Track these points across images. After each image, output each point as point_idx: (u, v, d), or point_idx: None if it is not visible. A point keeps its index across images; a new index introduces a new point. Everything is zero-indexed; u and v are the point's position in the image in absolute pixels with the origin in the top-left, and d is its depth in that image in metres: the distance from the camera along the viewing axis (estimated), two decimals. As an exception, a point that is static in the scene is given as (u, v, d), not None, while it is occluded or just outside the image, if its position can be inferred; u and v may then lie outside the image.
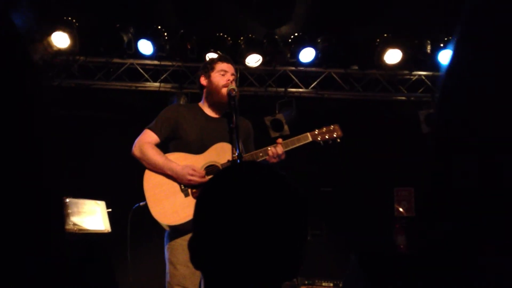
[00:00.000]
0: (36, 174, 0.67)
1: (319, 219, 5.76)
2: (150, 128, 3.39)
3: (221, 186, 1.12)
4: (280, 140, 3.37)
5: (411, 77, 6.10)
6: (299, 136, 3.44)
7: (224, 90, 3.38)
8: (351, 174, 5.97)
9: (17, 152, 0.65)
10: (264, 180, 1.11)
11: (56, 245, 0.68)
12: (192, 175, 3.21)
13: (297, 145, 3.39)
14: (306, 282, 5.00)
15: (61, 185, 0.71)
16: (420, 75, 6.07)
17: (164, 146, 3.44)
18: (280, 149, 3.32)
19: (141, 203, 3.37)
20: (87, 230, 4.04)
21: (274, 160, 3.31)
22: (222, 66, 3.49)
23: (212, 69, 3.49)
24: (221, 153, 3.31)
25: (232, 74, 3.48)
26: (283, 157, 3.32)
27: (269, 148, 3.33)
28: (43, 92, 0.72)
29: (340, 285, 4.95)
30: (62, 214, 0.71)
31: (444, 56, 5.70)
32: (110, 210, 4.32)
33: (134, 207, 3.47)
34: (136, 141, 3.38)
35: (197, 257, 1.12)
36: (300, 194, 1.12)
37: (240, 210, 1.06)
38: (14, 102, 0.67)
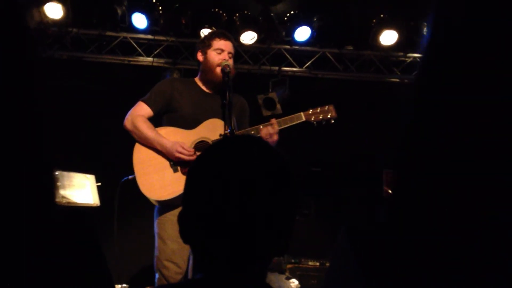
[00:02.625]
0: (32, 146, 0.66)
1: (308, 199, 5.78)
2: (143, 101, 3.36)
3: (212, 159, 1.11)
4: (274, 120, 3.33)
5: (406, 59, 6.08)
6: (292, 116, 3.41)
7: (218, 69, 3.33)
8: (341, 154, 5.98)
9: (12, 124, 0.64)
10: (255, 154, 1.10)
11: (46, 217, 0.67)
12: (180, 152, 3.19)
13: (290, 124, 3.36)
14: (293, 260, 5.03)
15: (54, 158, 0.70)
16: (414, 58, 6.05)
17: (158, 119, 3.41)
18: (274, 128, 3.28)
19: (130, 177, 3.36)
20: (76, 203, 4.03)
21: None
22: (219, 43, 3.42)
23: (209, 46, 3.42)
24: (212, 129, 3.29)
25: (229, 53, 3.42)
26: (275, 137, 3.26)
27: (261, 127, 3.30)
28: (40, 61, 0.70)
29: (327, 264, 4.98)
30: (52, 186, 0.70)
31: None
32: (99, 184, 4.30)
33: (122, 180, 3.46)
34: (128, 113, 3.35)
35: (186, 231, 1.11)
36: (290, 168, 1.11)
37: (231, 184, 1.05)
38: (11, 71, 0.65)
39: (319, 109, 3.46)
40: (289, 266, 4.95)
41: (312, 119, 3.43)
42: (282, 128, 3.34)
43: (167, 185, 3.19)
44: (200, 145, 3.28)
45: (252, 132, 3.30)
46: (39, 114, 0.67)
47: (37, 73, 0.69)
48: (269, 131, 3.26)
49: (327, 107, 3.47)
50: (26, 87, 0.67)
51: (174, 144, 3.21)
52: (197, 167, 1.13)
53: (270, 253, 1.10)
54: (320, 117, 3.44)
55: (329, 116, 3.46)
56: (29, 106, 0.67)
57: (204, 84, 3.48)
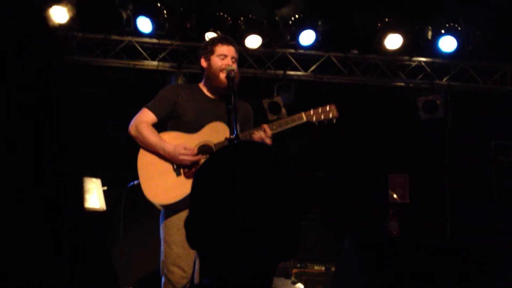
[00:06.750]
0: (59, 151, 0.66)
1: (313, 204, 5.77)
2: (148, 107, 3.38)
3: (218, 165, 1.12)
4: (265, 125, 3.28)
5: (411, 63, 6.07)
6: (294, 116, 3.38)
7: (222, 75, 3.33)
8: (347, 159, 5.97)
9: (39, 129, 0.63)
10: (261, 159, 1.11)
11: (74, 223, 0.67)
12: (183, 154, 3.20)
13: (292, 125, 3.34)
14: (298, 265, 5.03)
15: (81, 163, 0.70)
16: (419, 61, 6.04)
17: (162, 125, 3.43)
18: (266, 133, 3.23)
19: (135, 182, 3.38)
20: (82, 207, 4.03)
21: None
22: (222, 49, 3.40)
23: (212, 52, 3.41)
24: (214, 132, 3.29)
25: (233, 57, 3.40)
26: (268, 142, 3.21)
27: (254, 131, 3.27)
28: (63, 63, 0.70)
29: (332, 269, 4.97)
30: (81, 192, 0.70)
31: (445, 43, 5.67)
32: (105, 188, 4.31)
33: (128, 186, 3.48)
34: (133, 120, 3.38)
35: (193, 237, 1.11)
36: (295, 174, 1.11)
37: (237, 189, 1.06)
38: (36, 74, 0.65)
39: (320, 109, 3.41)
40: (295, 270, 4.94)
41: (314, 119, 3.39)
42: (282, 130, 3.31)
43: (171, 189, 3.20)
44: (203, 148, 3.28)
45: (248, 136, 3.26)
46: (71, 120, 0.67)
47: (67, 78, 0.69)
48: (261, 135, 3.24)
49: (328, 106, 3.43)
50: (57, 93, 0.67)
51: (176, 147, 3.22)
52: (203, 173, 1.13)
53: (277, 258, 1.10)
54: (322, 117, 3.40)
55: (330, 115, 3.41)
56: (62, 112, 0.67)
57: (208, 90, 3.48)
